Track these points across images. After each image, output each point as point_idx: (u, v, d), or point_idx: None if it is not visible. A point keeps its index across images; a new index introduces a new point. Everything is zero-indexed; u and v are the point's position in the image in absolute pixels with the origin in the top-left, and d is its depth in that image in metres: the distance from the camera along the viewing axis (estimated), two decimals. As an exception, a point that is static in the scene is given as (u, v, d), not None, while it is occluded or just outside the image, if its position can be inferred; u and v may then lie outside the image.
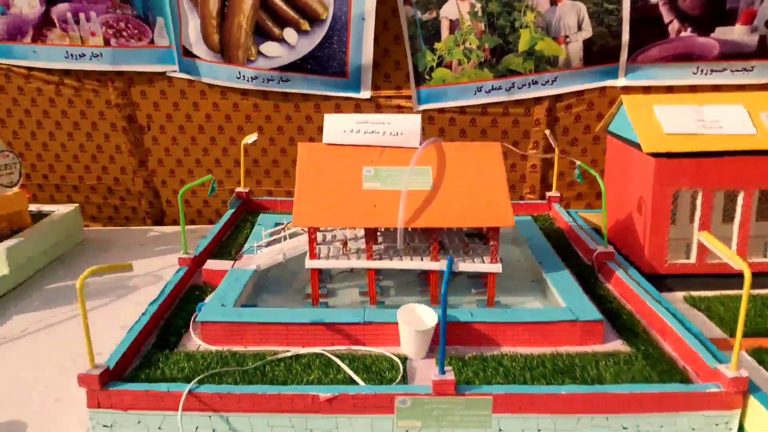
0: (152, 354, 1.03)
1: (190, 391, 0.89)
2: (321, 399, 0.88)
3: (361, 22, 1.66)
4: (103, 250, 1.75)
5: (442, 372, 0.89)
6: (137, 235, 1.88)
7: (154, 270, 1.60)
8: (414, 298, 1.20)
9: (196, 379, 0.91)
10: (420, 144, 1.22)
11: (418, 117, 1.26)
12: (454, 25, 1.69)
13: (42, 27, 1.77)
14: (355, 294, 1.30)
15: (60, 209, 1.77)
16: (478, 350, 1.06)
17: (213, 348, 1.07)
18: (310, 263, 1.19)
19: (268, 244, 1.39)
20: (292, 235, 1.38)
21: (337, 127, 1.25)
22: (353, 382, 0.95)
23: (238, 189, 1.76)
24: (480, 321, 1.07)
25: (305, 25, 1.68)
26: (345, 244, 1.24)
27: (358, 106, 1.82)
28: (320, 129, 1.26)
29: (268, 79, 1.78)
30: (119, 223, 2.09)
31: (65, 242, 1.75)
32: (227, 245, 1.52)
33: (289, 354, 1.03)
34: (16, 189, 1.61)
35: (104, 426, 0.91)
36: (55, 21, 1.76)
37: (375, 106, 1.81)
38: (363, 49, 1.69)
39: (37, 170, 2.00)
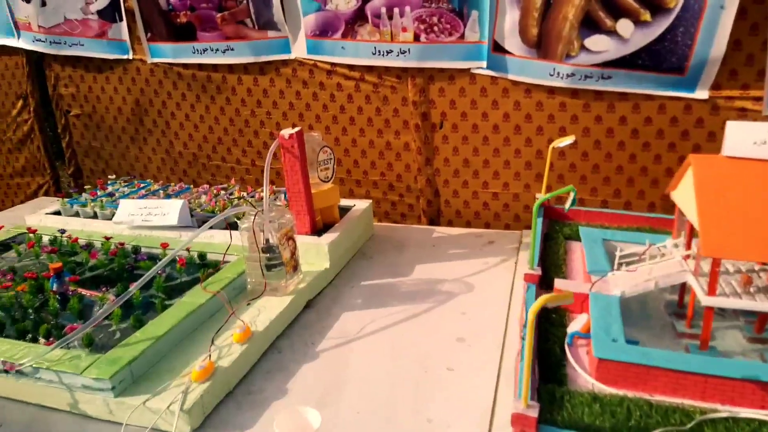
0: (546, 389, 0.93)
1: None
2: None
3: (718, 11, 1.41)
4: (398, 248, 1.73)
5: None
6: (422, 234, 1.84)
7: (463, 275, 1.53)
8: None
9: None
10: None
11: None
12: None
13: (354, 23, 1.78)
14: (738, 336, 1.09)
15: (358, 204, 1.78)
16: None
17: (609, 390, 0.93)
18: (708, 300, 1.01)
19: (619, 266, 1.23)
20: (651, 258, 1.21)
21: (745, 137, 1.04)
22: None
23: (539, 195, 1.63)
24: None
25: (646, 16, 1.48)
26: (748, 280, 1.03)
27: (688, 108, 1.58)
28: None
29: (586, 76, 1.61)
30: (394, 219, 2.08)
31: (362, 237, 1.76)
32: (545, 259, 1.40)
33: (723, 415, 0.86)
34: (330, 184, 1.64)
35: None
36: (368, 16, 1.76)
37: (710, 107, 1.56)
38: (715, 41, 1.45)
39: (324, 163, 2.06)
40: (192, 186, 1.90)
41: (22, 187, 2.59)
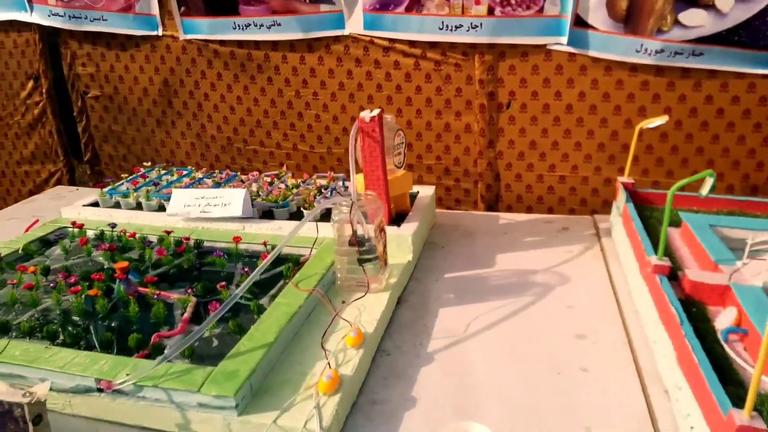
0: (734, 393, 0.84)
1: None
2: None
3: (828, -17, 1.34)
4: (467, 236, 1.63)
5: None
6: (487, 221, 1.73)
7: (551, 265, 1.44)
8: None
9: None
10: None
11: None
12: None
13: (421, -5, 1.66)
14: None
15: (421, 191, 1.67)
16: None
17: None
18: None
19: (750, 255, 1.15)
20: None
21: None
22: None
23: (621, 179, 1.54)
24: None
25: (750, -12, 1.40)
26: None
27: (782, 86, 1.51)
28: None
29: (675, 53, 1.52)
30: (447, 205, 1.97)
31: (428, 225, 1.66)
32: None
33: None
34: (403, 170, 1.52)
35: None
36: (438, -12, 1.63)
37: (805, 86, 1.49)
38: (824, 16, 1.37)
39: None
40: (239, 173, 1.76)
41: (31, 175, 2.39)
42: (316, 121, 1.95)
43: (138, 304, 1.12)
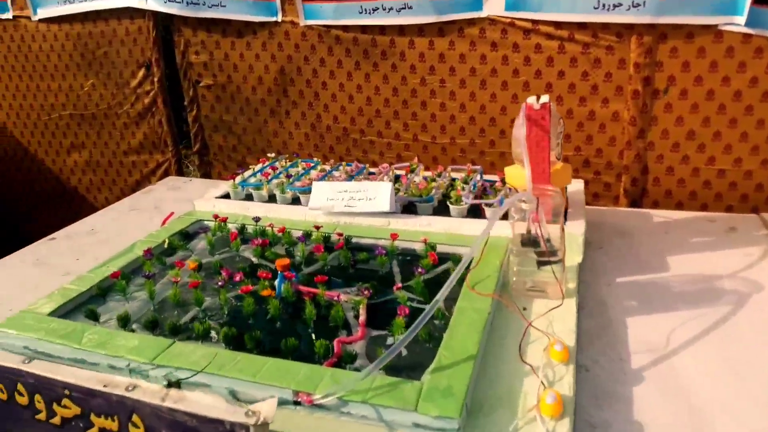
0: None
1: None
2: None
3: None
4: (622, 235, 1.48)
5: None
6: (639, 219, 1.58)
7: (735, 270, 1.28)
8: None
9: None
10: None
11: None
12: None
13: (575, -29, 1.52)
14: None
15: (571, 186, 1.53)
16: None
17: None
18: None
19: None
20: None
21: None
22: None
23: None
24: None
25: None
26: None
27: None
28: None
29: None
30: (585, 200, 1.82)
31: (581, 223, 1.52)
32: None
33: None
34: (561, 162, 1.39)
35: None
36: (596, -37, 1.49)
37: None
38: None
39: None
40: (368, 166, 1.66)
41: (138, 165, 2.38)
42: (441, 110, 1.84)
43: (309, 306, 1.03)
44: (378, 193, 1.39)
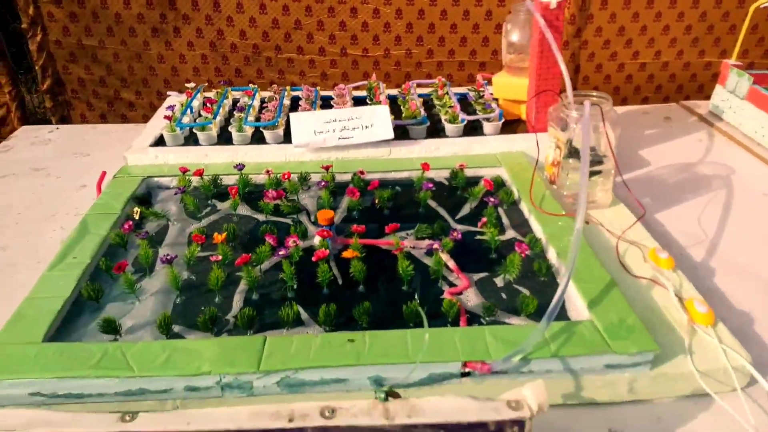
0: None
1: None
2: None
3: None
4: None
5: None
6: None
7: (699, 155, 1.40)
8: None
9: None
10: None
11: None
12: None
13: None
14: None
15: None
16: None
17: None
18: None
19: None
20: None
21: None
22: None
23: (729, 61, 1.52)
24: None
25: None
26: None
27: None
28: None
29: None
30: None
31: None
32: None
33: None
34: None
35: None
36: None
37: None
38: None
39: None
40: (319, 89, 1.43)
41: (-45, 115, 1.77)
42: (375, 17, 1.65)
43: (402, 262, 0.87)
44: (375, 120, 1.21)
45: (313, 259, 0.85)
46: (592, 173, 1.08)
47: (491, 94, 1.36)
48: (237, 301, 0.84)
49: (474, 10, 1.63)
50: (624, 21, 1.66)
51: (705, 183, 1.28)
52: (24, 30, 1.65)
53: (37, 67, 1.70)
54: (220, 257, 0.85)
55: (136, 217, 1.00)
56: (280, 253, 0.85)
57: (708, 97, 1.52)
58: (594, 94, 1.09)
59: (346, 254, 0.86)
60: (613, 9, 1.64)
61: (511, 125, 1.29)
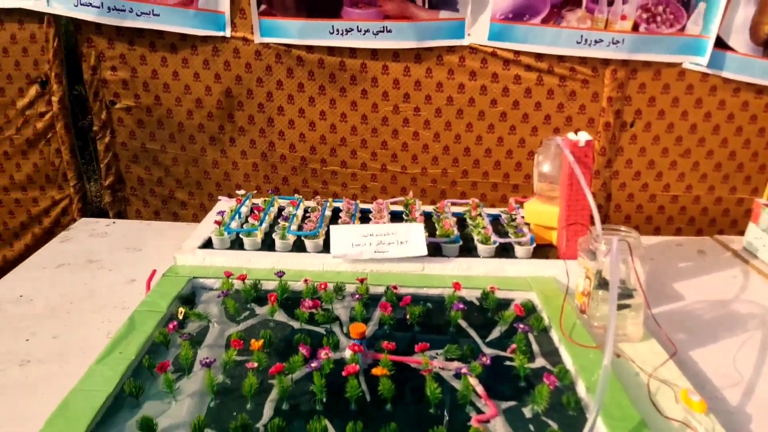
0: None
1: None
2: None
3: None
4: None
5: None
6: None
7: (734, 292, 1.40)
8: None
9: None
10: None
11: None
12: None
13: (562, 7, 1.55)
14: None
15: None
16: None
17: None
18: None
19: None
20: None
21: None
22: None
23: (761, 200, 1.56)
24: None
25: None
26: None
27: None
28: None
29: (813, 76, 1.57)
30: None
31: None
32: None
33: None
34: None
35: None
36: (584, 1, 1.54)
37: None
38: None
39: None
40: (359, 202, 1.52)
41: (24, 203, 1.91)
42: (414, 140, 1.76)
43: (430, 383, 0.89)
44: (410, 236, 1.27)
45: (344, 373, 0.87)
46: (622, 306, 1.09)
47: (523, 217, 1.42)
48: (268, 410, 0.86)
49: (507, 137, 1.73)
50: (654, 155, 1.74)
51: (741, 322, 1.27)
52: (95, 132, 1.81)
53: (102, 165, 1.85)
54: (255, 364, 0.88)
55: (180, 317, 1.05)
56: (312, 365, 0.88)
57: (742, 233, 1.54)
58: (623, 228, 1.13)
59: (376, 371, 0.88)
60: (643, 144, 1.72)
61: (542, 249, 1.33)
